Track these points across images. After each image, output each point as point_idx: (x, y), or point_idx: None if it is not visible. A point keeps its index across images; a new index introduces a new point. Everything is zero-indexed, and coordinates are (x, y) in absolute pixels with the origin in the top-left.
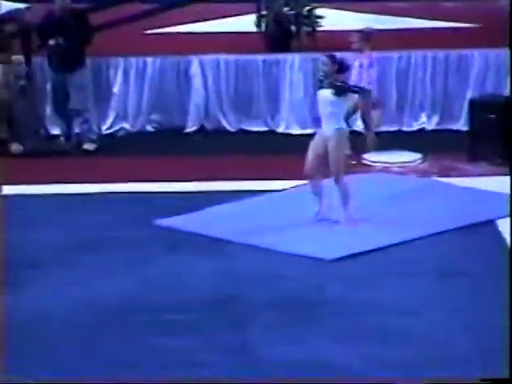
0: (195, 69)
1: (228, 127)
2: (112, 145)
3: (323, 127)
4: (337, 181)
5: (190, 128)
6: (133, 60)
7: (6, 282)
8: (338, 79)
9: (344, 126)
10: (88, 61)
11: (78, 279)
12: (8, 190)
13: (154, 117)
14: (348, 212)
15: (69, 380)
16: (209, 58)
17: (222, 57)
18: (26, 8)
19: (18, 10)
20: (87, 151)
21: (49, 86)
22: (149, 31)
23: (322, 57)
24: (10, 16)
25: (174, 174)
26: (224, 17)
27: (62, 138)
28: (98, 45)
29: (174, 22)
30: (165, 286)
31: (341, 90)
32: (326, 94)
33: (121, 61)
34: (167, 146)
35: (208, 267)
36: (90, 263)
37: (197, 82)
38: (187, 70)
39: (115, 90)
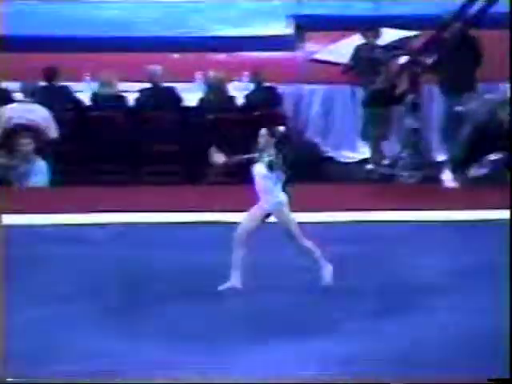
0: None
1: None
2: None
3: (260, 202)
4: (297, 243)
5: None
6: None
7: None
8: (276, 153)
9: (282, 197)
10: None
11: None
12: None
13: None
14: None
15: (69, 380)
16: None
17: None
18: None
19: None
20: None
21: None
22: None
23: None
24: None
25: None
26: None
27: None
28: None
29: None
30: None
31: (276, 165)
32: (260, 168)
33: None
34: None
35: None
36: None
37: None
38: None
39: None
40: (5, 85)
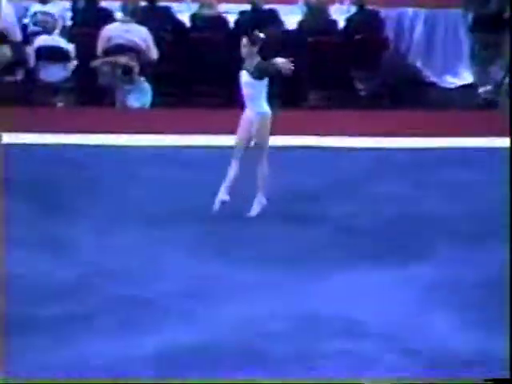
0: None
1: None
2: None
3: (247, 109)
4: (258, 164)
5: None
6: None
7: None
8: (259, 60)
9: (266, 109)
10: None
11: None
12: None
13: None
14: (261, 196)
15: (68, 380)
16: None
17: None
18: None
19: None
20: None
21: None
22: None
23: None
24: None
25: None
26: None
27: None
28: None
29: None
30: None
31: (259, 73)
32: (244, 76)
33: None
34: None
35: None
36: None
37: None
38: None
39: None
40: (105, 4)
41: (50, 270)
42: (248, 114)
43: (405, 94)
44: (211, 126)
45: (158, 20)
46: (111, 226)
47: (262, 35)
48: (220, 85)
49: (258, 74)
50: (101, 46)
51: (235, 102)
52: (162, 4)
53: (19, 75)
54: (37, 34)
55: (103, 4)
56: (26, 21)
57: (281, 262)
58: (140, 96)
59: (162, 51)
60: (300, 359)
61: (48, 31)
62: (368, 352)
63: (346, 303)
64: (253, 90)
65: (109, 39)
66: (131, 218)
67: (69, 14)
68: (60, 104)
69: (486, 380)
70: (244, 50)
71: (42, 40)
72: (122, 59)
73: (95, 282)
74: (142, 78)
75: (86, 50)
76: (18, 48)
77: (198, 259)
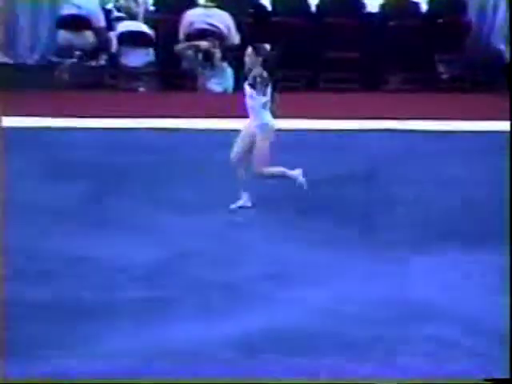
0: None
1: None
2: None
3: (249, 120)
4: (258, 177)
5: None
6: None
7: None
8: (260, 72)
9: (269, 120)
10: None
11: None
12: None
13: None
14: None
15: (68, 380)
16: None
17: None
18: None
19: None
20: None
21: None
22: None
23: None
24: None
25: None
26: None
27: None
28: None
29: None
30: None
31: (260, 84)
32: (247, 87)
33: None
34: None
35: None
36: None
37: None
38: None
39: None
40: None
41: (132, 254)
42: (250, 125)
43: (487, 77)
44: (297, 110)
45: (239, 4)
46: (193, 210)
47: (268, 47)
48: (304, 68)
49: (256, 85)
50: (183, 31)
51: (315, 85)
52: None
53: (102, 60)
54: (120, 19)
55: None
56: (109, 6)
57: (358, 244)
58: (222, 81)
59: (244, 35)
60: (382, 344)
61: (131, 17)
62: (448, 336)
63: (424, 286)
64: (254, 101)
65: (191, 24)
66: (212, 202)
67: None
68: (141, 89)
69: (485, 380)
70: (247, 60)
71: (124, 25)
72: (204, 44)
73: (177, 265)
74: (224, 63)
75: (168, 35)
76: (101, 33)
77: (279, 244)
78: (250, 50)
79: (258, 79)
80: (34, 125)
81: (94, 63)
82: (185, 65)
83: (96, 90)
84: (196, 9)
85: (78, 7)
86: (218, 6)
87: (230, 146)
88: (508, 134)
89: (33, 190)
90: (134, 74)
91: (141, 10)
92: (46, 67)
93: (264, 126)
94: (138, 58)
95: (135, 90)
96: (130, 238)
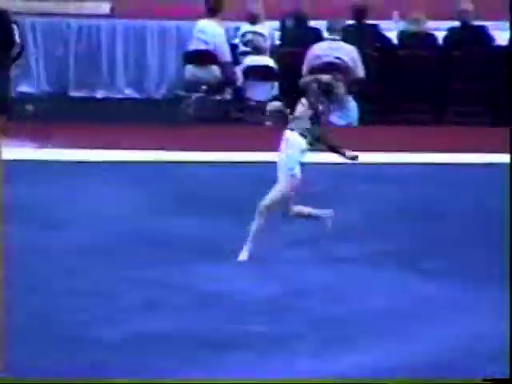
0: None
1: None
2: None
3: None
4: (261, 213)
5: None
6: None
7: None
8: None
9: (298, 171)
10: None
11: None
12: None
13: None
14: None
15: (68, 380)
16: None
17: None
18: None
19: None
20: None
21: None
22: None
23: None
24: None
25: None
26: None
27: None
28: None
29: None
30: None
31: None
32: (296, 138)
33: None
34: None
35: None
36: None
37: None
38: None
39: None
40: (313, 23)
41: (249, 288)
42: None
43: None
44: (421, 143)
45: (365, 38)
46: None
47: (325, 102)
48: (429, 102)
49: (306, 138)
50: (308, 64)
51: (443, 118)
52: (369, 22)
53: (227, 94)
54: (246, 53)
55: (312, 23)
56: (236, 41)
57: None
58: (346, 114)
59: (369, 69)
60: None
61: (257, 51)
62: None
63: None
64: (298, 153)
65: (316, 58)
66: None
67: (277, 34)
68: (268, 123)
69: (485, 380)
70: (299, 109)
71: (250, 59)
72: (326, 77)
73: (294, 300)
74: (349, 97)
75: (293, 68)
76: (227, 68)
77: (391, 275)
78: (304, 100)
79: (308, 132)
80: (161, 159)
81: (219, 97)
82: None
83: (222, 123)
84: (322, 42)
85: (205, 42)
86: (344, 40)
87: (351, 178)
88: None
89: (159, 223)
90: (260, 107)
91: (267, 45)
92: (172, 101)
93: (293, 176)
94: (263, 91)
95: (261, 124)
96: (246, 272)
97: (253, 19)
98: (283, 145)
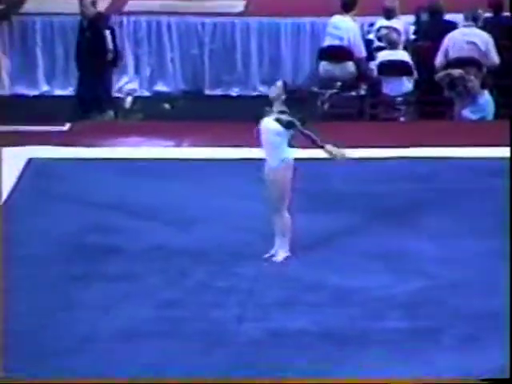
0: None
1: None
2: None
3: (268, 158)
4: (277, 211)
5: None
6: None
7: None
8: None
9: (290, 155)
10: None
11: None
12: None
13: None
14: (284, 246)
15: (68, 380)
16: None
17: None
18: None
19: None
20: None
21: None
22: None
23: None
24: None
25: None
26: None
27: None
28: None
29: None
30: None
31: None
32: (271, 124)
33: None
34: None
35: None
36: None
37: None
38: None
39: None
40: (449, 17)
41: (389, 283)
42: (269, 163)
43: None
44: None
45: (502, 30)
46: (447, 238)
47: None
48: None
49: (284, 121)
50: (440, 58)
51: None
52: (506, 14)
53: (362, 90)
54: (381, 48)
55: (447, 17)
56: (370, 36)
57: None
58: (478, 109)
59: (505, 62)
60: None
61: (392, 46)
62: None
63: None
64: (277, 136)
65: (450, 51)
66: (465, 229)
67: (412, 28)
68: (402, 118)
69: (484, 380)
70: (274, 90)
71: (385, 54)
72: (457, 72)
73: (436, 295)
74: (483, 90)
75: (429, 63)
76: (362, 64)
77: None
78: (279, 83)
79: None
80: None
81: (354, 93)
82: (446, 93)
83: (356, 120)
84: (455, 31)
85: (340, 38)
86: (480, 28)
87: (486, 172)
88: None
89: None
90: (395, 103)
91: (402, 39)
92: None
93: (287, 161)
94: (398, 87)
95: (395, 120)
96: (386, 267)
97: (388, 14)
98: None
